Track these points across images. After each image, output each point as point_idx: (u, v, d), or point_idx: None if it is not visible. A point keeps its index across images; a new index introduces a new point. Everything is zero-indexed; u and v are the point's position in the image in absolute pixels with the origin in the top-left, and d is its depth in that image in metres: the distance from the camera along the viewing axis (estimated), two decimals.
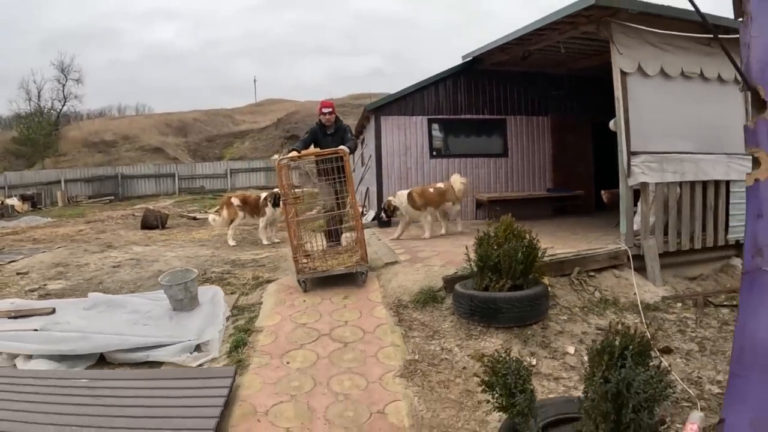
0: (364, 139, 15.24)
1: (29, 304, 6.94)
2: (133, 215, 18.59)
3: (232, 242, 11.03)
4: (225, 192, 28.76)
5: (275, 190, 11.09)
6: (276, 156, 34.87)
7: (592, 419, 2.94)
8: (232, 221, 11.14)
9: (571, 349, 5.41)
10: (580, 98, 13.08)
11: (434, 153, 12.40)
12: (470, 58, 12.21)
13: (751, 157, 2.49)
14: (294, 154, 7.91)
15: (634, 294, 6.86)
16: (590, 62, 11.11)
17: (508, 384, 3.30)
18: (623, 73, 7.56)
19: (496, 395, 3.37)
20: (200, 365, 5.33)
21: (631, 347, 3.07)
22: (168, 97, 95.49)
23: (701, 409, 4.27)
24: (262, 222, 11.02)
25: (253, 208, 11.09)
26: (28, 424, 4.01)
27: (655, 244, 7.83)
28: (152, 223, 14.81)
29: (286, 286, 7.29)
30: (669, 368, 3.25)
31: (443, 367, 5.05)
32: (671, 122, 7.76)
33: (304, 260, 7.08)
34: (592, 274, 7.30)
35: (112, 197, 28.95)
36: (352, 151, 8.33)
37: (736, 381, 2.63)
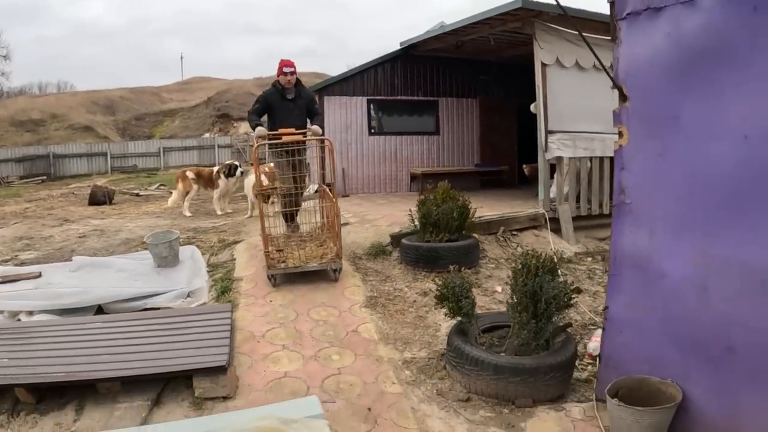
0: None
1: (13, 270, 7.07)
2: (73, 194, 18.29)
3: (187, 213, 11.38)
4: (158, 170, 28.92)
5: (228, 162, 11.88)
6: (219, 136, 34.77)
7: (518, 312, 4.19)
8: (187, 193, 11.56)
9: (498, 288, 6.66)
10: (505, 83, 14.19)
11: (372, 131, 13.25)
12: (407, 45, 13.12)
13: (618, 132, 3.75)
14: (261, 131, 7.11)
15: (551, 249, 8.21)
16: (516, 51, 12.15)
17: (456, 293, 4.54)
18: (543, 65, 8.88)
19: (448, 304, 4.59)
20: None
21: (543, 266, 4.31)
22: (93, 75, 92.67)
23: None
24: (216, 193, 11.46)
25: (207, 180, 11.53)
26: (48, 366, 4.24)
27: (569, 209, 9.20)
28: (100, 198, 14.86)
29: (253, 245, 7.81)
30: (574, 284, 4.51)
31: (398, 301, 6.18)
32: (583, 106, 9.06)
33: (276, 254, 6.55)
34: (515, 233, 8.65)
35: (45, 177, 28.37)
36: (322, 131, 7.61)
37: (613, 278, 3.90)
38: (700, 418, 3.34)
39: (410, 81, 13.53)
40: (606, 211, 9.57)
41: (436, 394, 4.22)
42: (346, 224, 8.70)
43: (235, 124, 36.02)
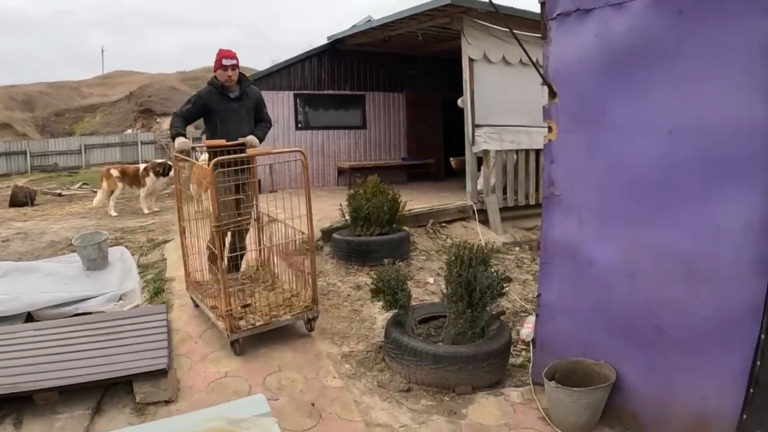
0: None
1: None
2: None
3: (113, 213, 11.04)
4: (80, 169, 27.93)
5: (161, 160, 11.61)
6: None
7: (453, 302, 4.30)
8: (112, 192, 11.21)
9: (431, 280, 6.79)
10: (432, 77, 14.35)
11: (299, 125, 13.17)
12: (334, 39, 13.14)
13: (547, 126, 3.90)
14: (183, 143, 5.40)
15: (480, 240, 8.40)
16: (443, 46, 12.31)
17: (391, 286, 4.63)
18: (471, 60, 9.08)
19: (384, 297, 4.67)
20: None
21: (476, 257, 4.44)
22: (11, 70, 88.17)
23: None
24: (142, 192, 11.19)
25: (132, 178, 11.23)
26: None
27: (496, 200, 9.46)
28: (22, 200, 14.27)
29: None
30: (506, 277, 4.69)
31: (332, 295, 6.22)
32: (510, 100, 9.31)
33: (242, 310, 4.95)
34: (444, 225, 8.84)
35: None
36: (264, 136, 6.08)
37: (544, 267, 4.06)
38: (634, 395, 3.52)
39: (337, 75, 13.52)
40: (532, 201, 9.87)
41: (377, 386, 4.29)
42: (274, 220, 8.69)
43: (158, 120, 35.07)
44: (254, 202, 5.75)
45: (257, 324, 4.74)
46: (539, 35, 3.90)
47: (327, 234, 7.72)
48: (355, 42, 12.96)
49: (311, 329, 5.11)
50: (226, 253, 5.53)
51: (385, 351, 4.64)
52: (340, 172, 13.59)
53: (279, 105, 12.94)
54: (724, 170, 2.97)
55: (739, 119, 2.91)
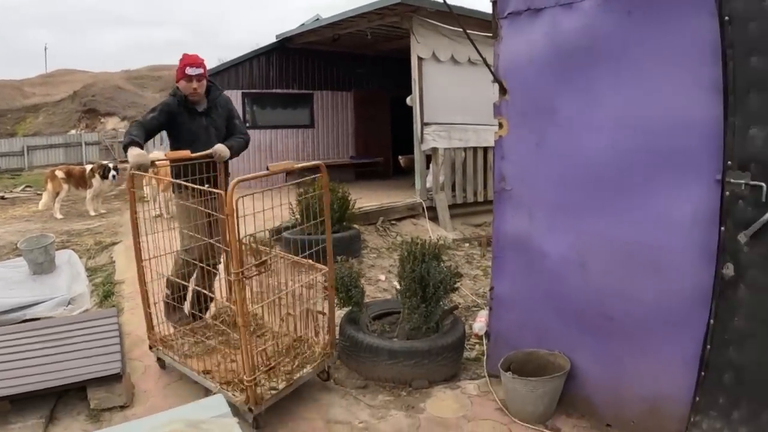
0: None
1: None
2: None
3: (59, 215, 10.81)
4: (23, 171, 27.11)
5: (103, 162, 11.41)
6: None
7: (407, 297, 4.36)
8: (57, 194, 10.94)
9: (382, 277, 6.86)
10: (380, 76, 14.49)
11: (247, 124, 12.81)
12: (283, 37, 13.10)
13: (498, 123, 3.98)
14: (138, 156, 4.01)
15: (429, 237, 8.50)
16: (391, 45, 12.46)
17: (345, 283, 4.67)
18: (420, 59, 9.22)
19: (338, 294, 4.69)
20: None
21: (428, 252, 4.51)
22: None
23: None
24: (89, 193, 10.98)
25: (78, 180, 10.98)
26: None
27: (445, 197, 9.61)
28: None
29: (131, 246, 7.68)
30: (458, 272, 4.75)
31: (284, 295, 6.20)
32: (458, 99, 9.47)
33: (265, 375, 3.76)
34: (394, 222, 8.95)
35: None
36: (238, 149, 5.04)
37: (497, 260, 4.14)
38: (588, 382, 3.62)
39: (286, 74, 13.51)
40: (480, 198, 10.05)
41: (334, 383, 4.30)
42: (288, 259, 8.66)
43: (102, 120, 34.24)
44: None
45: (281, 387, 3.73)
46: (489, 34, 3.97)
47: (276, 233, 7.69)
48: (304, 40, 12.98)
49: (327, 378, 4.24)
50: (189, 292, 4.74)
51: (340, 349, 4.63)
52: (289, 171, 13.34)
53: None
54: (670, 163, 3.09)
55: (685, 114, 3.02)
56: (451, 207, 9.71)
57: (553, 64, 3.57)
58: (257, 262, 4.15)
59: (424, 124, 9.37)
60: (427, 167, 9.75)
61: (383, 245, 8.11)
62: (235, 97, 12.74)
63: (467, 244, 8.72)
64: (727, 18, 2.82)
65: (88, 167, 11.23)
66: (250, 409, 3.53)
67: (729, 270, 2.90)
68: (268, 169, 3.86)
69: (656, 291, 3.15)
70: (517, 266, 4.00)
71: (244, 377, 3.51)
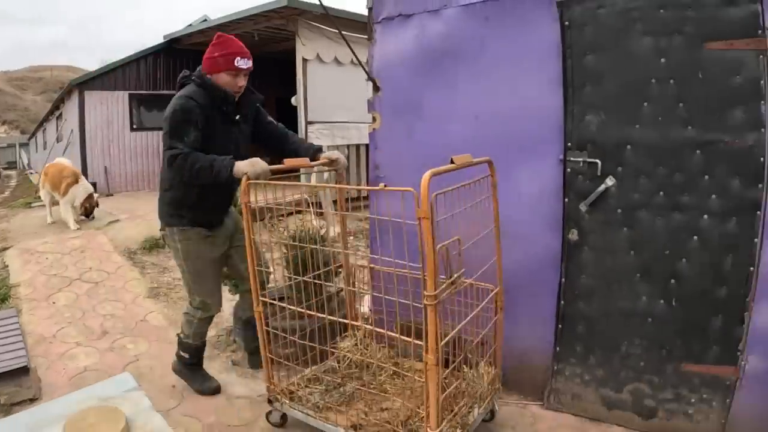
0: (61, 115, 15.20)
1: None
2: None
3: None
4: None
5: None
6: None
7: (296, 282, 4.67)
8: None
9: (271, 269, 7.13)
10: (265, 77, 14.43)
11: (134, 126, 13.00)
12: (170, 38, 13.12)
13: (372, 117, 4.34)
14: (253, 162, 3.23)
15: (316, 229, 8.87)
16: (278, 47, 12.68)
17: None
18: (305, 60, 9.55)
19: (231, 281, 4.95)
20: None
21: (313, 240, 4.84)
22: None
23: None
24: None
25: None
26: None
27: (330, 193, 9.94)
28: None
29: (24, 250, 7.66)
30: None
31: (178, 289, 6.36)
32: (341, 98, 9.85)
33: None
34: (280, 218, 9.19)
35: None
36: None
37: (373, 243, 4.50)
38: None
39: (173, 75, 13.26)
40: (364, 193, 10.45)
41: (232, 364, 4.55)
42: (116, 221, 8.73)
43: None
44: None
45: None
46: (367, 37, 4.34)
47: None
48: (192, 42, 12.99)
49: (492, 418, 3.47)
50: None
51: (235, 333, 4.91)
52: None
53: (113, 105, 12.73)
54: (523, 146, 3.56)
55: (534, 105, 3.50)
56: (335, 202, 10.05)
57: (421, 64, 3.96)
58: (450, 280, 2.71)
59: (308, 123, 9.73)
60: None
61: (271, 240, 8.39)
62: (121, 98, 12.78)
63: (352, 237, 9.11)
64: (567, 23, 3.34)
65: None
66: None
67: (574, 235, 3.41)
68: (452, 161, 2.93)
69: (517, 257, 3.59)
70: (393, 248, 4.38)
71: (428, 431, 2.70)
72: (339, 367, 3.72)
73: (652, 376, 3.29)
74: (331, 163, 3.59)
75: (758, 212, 2.94)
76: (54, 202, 9.11)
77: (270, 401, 3.49)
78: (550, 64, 3.42)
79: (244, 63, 3.61)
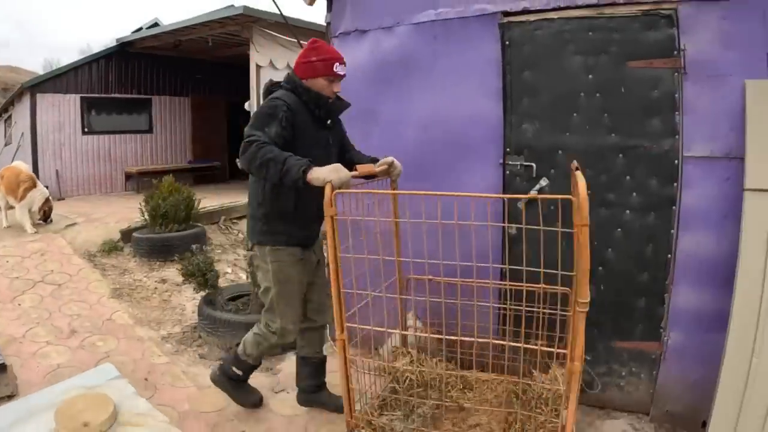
0: (10, 118, 15.07)
1: None
2: None
3: None
4: None
5: None
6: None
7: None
8: None
9: (229, 269, 7.42)
10: (217, 81, 14.83)
11: (86, 130, 12.99)
12: (123, 41, 13.18)
13: None
14: (335, 168, 2.93)
15: None
16: (230, 52, 12.86)
17: (201, 268, 5.24)
18: (258, 66, 9.81)
19: (196, 279, 5.24)
20: None
21: None
22: None
23: None
24: None
25: None
26: None
27: None
28: None
29: None
30: None
31: (140, 289, 6.61)
32: None
33: None
34: (235, 221, 9.56)
35: None
36: None
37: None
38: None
39: (125, 79, 13.55)
40: None
41: (199, 358, 4.82)
42: (74, 224, 8.82)
43: None
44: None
45: None
46: None
47: (126, 234, 8.14)
48: (144, 45, 13.08)
49: None
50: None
51: (201, 328, 5.17)
52: (128, 177, 13.60)
53: (65, 108, 12.73)
54: (468, 150, 3.97)
55: (478, 114, 3.92)
56: None
57: (376, 75, 4.32)
58: None
59: None
60: None
61: (227, 242, 8.65)
62: (73, 101, 12.78)
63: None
64: (507, 42, 3.79)
65: None
66: None
67: (512, 230, 3.83)
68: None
69: (466, 249, 3.96)
70: (353, 240, 4.72)
71: None
72: (400, 387, 3.52)
73: (586, 353, 3.71)
74: (390, 167, 3.54)
75: (674, 207, 3.43)
76: (8, 207, 9.05)
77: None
78: (492, 78, 3.85)
79: (342, 69, 3.54)
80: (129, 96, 13.65)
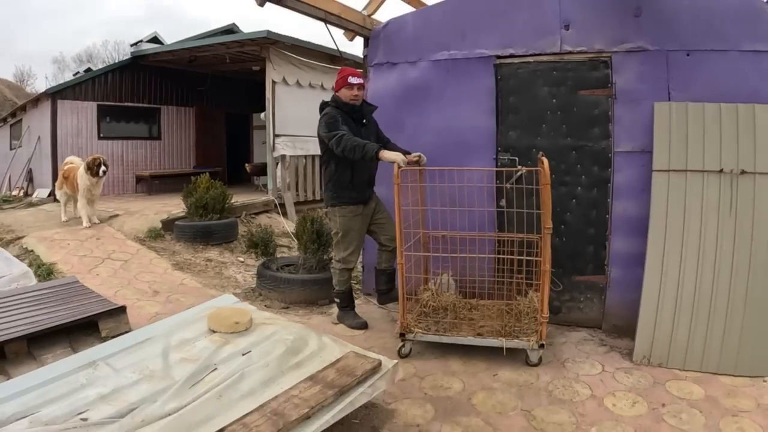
0: (20, 122, 15.83)
1: None
2: None
3: None
4: None
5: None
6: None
7: (308, 245, 6.49)
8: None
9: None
10: (217, 94, 15.91)
11: (102, 135, 13.81)
12: (137, 54, 14.18)
13: None
14: (396, 155, 4.66)
15: (283, 227, 10.67)
16: (233, 67, 13.98)
17: (264, 239, 6.79)
18: (273, 82, 11.29)
19: (259, 248, 6.76)
20: None
21: (317, 220, 6.68)
22: None
23: None
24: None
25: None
26: None
27: (291, 195, 11.71)
28: None
29: (42, 238, 8.40)
30: None
31: (194, 265, 7.91)
32: (302, 115, 11.52)
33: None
34: (254, 216, 10.88)
35: None
36: None
37: None
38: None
39: (137, 88, 14.36)
40: (317, 197, 12.18)
41: (266, 307, 6.03)
42: (116, 215, 10.00)
43: None
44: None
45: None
46: (327, 65, 6.03)
47: (167, 224, 9.36)
48: (158, 59, 14.07)
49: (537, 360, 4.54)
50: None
51: (263, 287, 6.44)
52: (139, 180, 14.44)
53: (83, 115, 13.55)
54: (471, 150, 5.52)
55: (477, 125, 5.52)
56: (296, 203, 11.87)
57: (402, 96, 5.85)
58: None
59: (275, 136, 11.44)
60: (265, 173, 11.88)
61: (249, 233, 10.08)
62: (90, 108, 13.60)
63: None
64: (499, 77, 5.47)
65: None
66: (542, 345, 4.40)
67: (503, 204, 5.44)
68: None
69: (470, 218, 5.31)
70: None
71: (540, 316, 4.38)
72: (427, 310, 5.04)
73: (556, 285, 5.29)
74: (419, 159, 5.08)
75: (609, 184, 5.12)
76: (67, 201, 9.83)
77: (402, 335, 4.65)
78: (488, 100, 5.50)
79: (355, 80, 5.09)
80: (140, 105, 14.65)
